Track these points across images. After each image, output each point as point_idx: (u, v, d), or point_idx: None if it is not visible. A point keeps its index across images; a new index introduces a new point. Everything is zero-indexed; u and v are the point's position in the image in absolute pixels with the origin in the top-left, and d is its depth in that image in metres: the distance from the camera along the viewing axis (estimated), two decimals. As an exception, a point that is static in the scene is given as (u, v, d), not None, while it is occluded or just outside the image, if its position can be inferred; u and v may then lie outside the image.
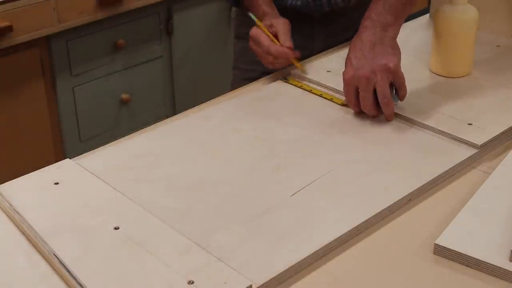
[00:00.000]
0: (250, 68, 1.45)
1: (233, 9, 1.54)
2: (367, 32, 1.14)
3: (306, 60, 1.35)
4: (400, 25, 1.17)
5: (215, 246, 0.85)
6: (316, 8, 1.40)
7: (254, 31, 1.29)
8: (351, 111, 1.16)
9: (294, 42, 1.27)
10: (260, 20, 1.31)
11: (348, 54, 1.16)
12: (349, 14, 1.43)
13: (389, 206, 0.93)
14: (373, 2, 1.17)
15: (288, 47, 1.25)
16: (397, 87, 1.13)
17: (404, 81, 1.13)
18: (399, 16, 1.16)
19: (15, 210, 0.91)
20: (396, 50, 1.14)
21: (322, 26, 1.44)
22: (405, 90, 1.14)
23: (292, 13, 1.38)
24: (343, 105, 1.18)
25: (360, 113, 1.15)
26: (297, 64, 1.28)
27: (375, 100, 1.12)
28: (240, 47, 1.51)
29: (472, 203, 0.92)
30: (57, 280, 0.81)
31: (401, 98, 1.14)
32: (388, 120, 1.13)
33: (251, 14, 1.31)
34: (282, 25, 1.28)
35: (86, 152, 1.07)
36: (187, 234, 0.87)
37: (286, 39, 1.26)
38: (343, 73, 1.14)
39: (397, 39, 1.16)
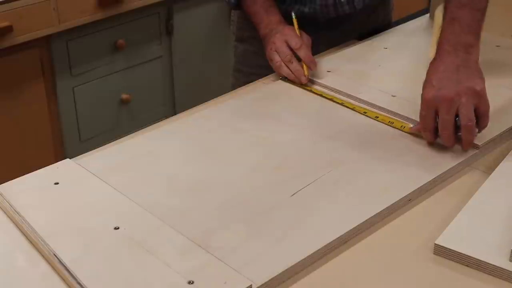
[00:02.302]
0: (253, 72, 1.43)
1: (233, 11, 1.53)
2: (449, 55, 1.05)
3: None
4: (479, 45, 1.07)
5: (215, 246, 0.85)
6: (322, 15, 1.39)
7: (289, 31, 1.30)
8: (351, 111, 1.16)
9: None
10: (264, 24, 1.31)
11: (427, 77, 1.06)
12: (354, 18, 1.43)
13: (389, 206, 0.93)
14: (446, 24, 1.09)
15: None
16: (479, 115, 1.03)
17: (489, 109, 1.03)
18: (478, 34, 1.07)
19: (15, 210, 0.91)
20: (481, 74, 1.05)
21: (326, 31, 1.44)
22: (487, 120, 1.04)
23: (298, 19, 1.38)
24: (409, 132, 1.09)
25: (431, 144, 1.05)
26: (306, 72, 1.27)
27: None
28: (242, 50, 1.51)
29: (472, 203, 0.92)
30: (57, 280, 0.81)
31: (481, 129, 1.05)
32: (463, 149, 1.04)
33: (293, 14, 1.33)
34: (308, 40, 1.31)
35: (86, 152, 1.07)
36: (187, 234, 0.87)
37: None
38: (423, 94, 1.04)
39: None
